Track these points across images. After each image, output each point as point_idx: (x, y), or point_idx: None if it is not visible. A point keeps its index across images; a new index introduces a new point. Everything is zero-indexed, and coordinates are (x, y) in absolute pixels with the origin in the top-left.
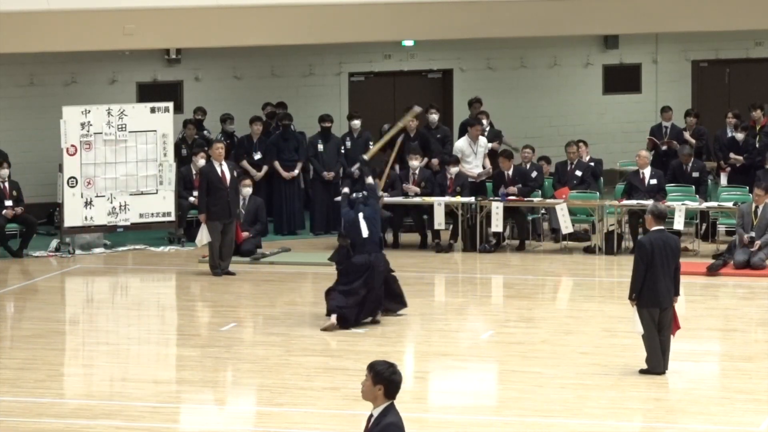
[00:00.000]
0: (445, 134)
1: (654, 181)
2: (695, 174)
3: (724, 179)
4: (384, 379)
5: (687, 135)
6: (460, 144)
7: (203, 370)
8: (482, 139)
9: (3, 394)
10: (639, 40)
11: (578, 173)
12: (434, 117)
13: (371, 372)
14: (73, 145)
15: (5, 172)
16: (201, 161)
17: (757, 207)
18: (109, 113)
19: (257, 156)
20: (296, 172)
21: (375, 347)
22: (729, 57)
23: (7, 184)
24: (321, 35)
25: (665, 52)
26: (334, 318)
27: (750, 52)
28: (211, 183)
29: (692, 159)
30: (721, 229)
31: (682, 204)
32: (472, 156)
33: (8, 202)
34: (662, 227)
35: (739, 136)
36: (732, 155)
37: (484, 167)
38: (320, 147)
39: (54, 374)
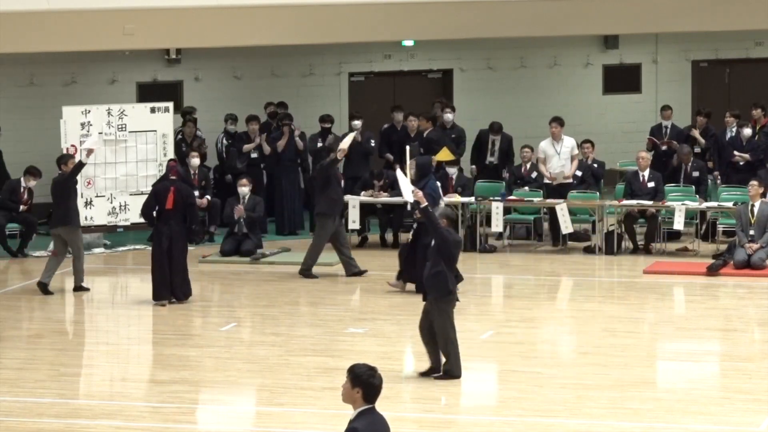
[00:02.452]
0: (460, 134)
1: (652, 184)
2: (695, 174)
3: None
4: (362, 382)
5: (696, 134)
6: (543, 144)
7: (203, 370)
8: (567, 139)
9: (3, 394)
10: (639, 40)
11: (578, 173)
12: (449, 116)
13: (350, 375)
14: (73, 145)
15: (32, 183)
16: (195, 160)
17: (752, 206)
18: (109, 113)
19: (254, 155)
20: (283, 142)
21: (375, 347)
22: (729, 57)
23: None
24: (321, 35)
25: (665, 52)
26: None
27: (750, 52)
28: (333, 178)
29: (692, 159)
30: (721, 229)
31: (682, 204)
32: (555, 156)
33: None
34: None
35: (747, 131)
36: (736, 153)
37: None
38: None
39: (54, 374)
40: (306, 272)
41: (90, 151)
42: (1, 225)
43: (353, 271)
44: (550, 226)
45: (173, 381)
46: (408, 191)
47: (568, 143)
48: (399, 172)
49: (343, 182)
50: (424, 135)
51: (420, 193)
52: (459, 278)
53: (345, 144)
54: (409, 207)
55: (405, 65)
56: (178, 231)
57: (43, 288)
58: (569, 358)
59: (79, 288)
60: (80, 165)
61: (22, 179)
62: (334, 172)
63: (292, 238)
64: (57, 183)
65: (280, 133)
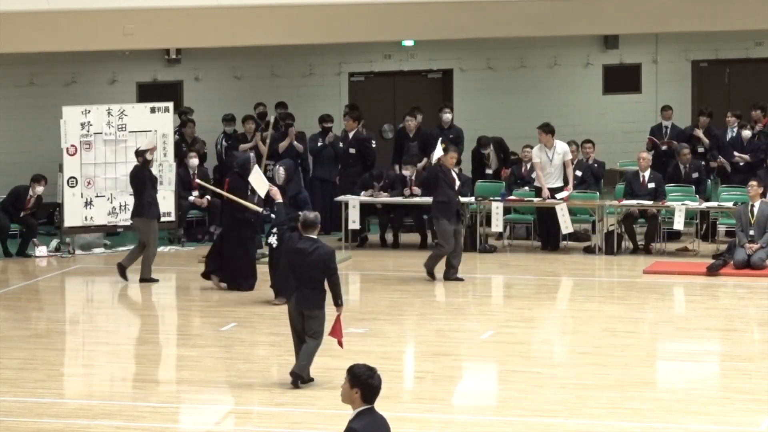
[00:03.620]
0: (458, 134)
1: (652, 185)
2: (695, 174)
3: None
4: (361, 382)
5: (700, 133)
6: (535, 151)
7: (203, 370)
8: (560, 145)
9: (3, 394)
10: (639, 40)
11: (578, 173)
12: (447, 116)
13: (349, 375)
14: (73, 145)
15: (40, 189)
16: (193, 161)
17: (752, 206)
18: (109, 113)
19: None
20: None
21: (375, 347)
22: (729, 57)
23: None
24: (321, 35)
25: (665, 52)
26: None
27: (750, 52)
28: (441, 182)
29: (691, 159)
30: (721, 229)
31: (682, 204)
32: (547, 163)
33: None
34: (314, 236)
35: (746, 133)
36: (737, 154)
37: (566, 181)
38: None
39: (54, 374)
40: (449, 276)
41: (153, 149)
42: (5, 227)
43: (452, 276)
44: (541, 230)
45: (173, 381)
46: (263, 187)
47: (560, 149)
48: (256, 168)
49: (458, 184)
50: (350, 136)
51: (275, 189)
52: (285, 292)
53: (436, 156)
54: (263, 211)
55: (405, 65)
56: (228, 220)
57: (121, 270)
58: (569, 358)
59: (146, 279)
60: (145, 159)
61: (30, 188)
62: (443, 175)
63: None
64: (132, 174)
65: (280, 133)
